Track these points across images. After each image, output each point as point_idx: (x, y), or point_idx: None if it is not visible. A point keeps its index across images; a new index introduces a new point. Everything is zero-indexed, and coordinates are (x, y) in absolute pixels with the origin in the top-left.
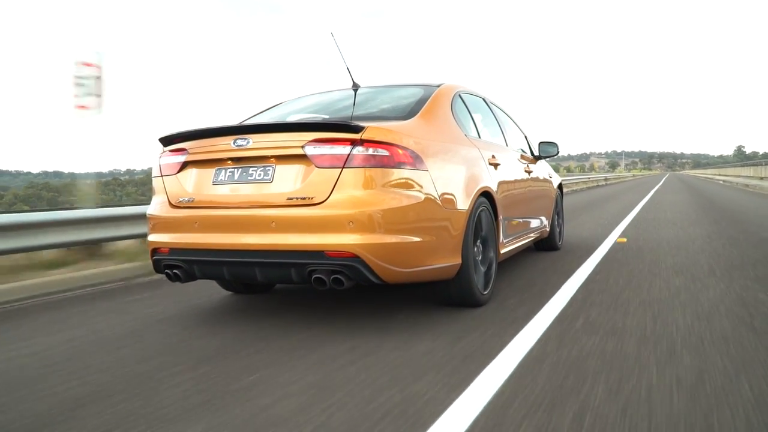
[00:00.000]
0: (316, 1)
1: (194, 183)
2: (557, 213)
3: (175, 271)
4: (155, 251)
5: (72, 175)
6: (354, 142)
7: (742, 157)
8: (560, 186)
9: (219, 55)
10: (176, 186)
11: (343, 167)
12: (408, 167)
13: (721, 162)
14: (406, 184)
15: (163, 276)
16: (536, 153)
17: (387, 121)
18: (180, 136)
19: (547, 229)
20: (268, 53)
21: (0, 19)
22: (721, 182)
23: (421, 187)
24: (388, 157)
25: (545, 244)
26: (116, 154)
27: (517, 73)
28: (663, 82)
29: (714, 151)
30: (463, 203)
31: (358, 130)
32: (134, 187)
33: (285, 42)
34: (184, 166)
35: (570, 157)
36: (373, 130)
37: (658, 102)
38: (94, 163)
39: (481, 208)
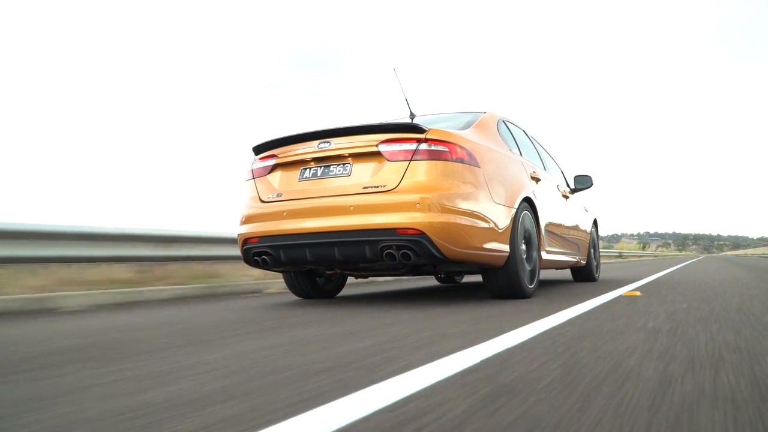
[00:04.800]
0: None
1: (282, 182)
2: (593, 247)
3: (263, 257)
4: (246, 242)
5: None
6: (419, 141)
7: None
8: (595, 222)
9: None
10: (266, 186)
11: (410, 160)
12: (464, 163)
13: (763, 243)
14: (463, 176)
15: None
16: (572, 186)
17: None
18: (271, 144)
19: (583, 261)
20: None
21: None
22: None
23: (475, 180)
24: (448, 153)
25: (583, 274)
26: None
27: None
28: (698, 162)
29: (753, 233)
30: (509, 201)
31: (423, 130)
32: None
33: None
34: (273, 168)
35: (599, 239)
36: (435, 131)
37: (693, 183)
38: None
39: (524, 211)
